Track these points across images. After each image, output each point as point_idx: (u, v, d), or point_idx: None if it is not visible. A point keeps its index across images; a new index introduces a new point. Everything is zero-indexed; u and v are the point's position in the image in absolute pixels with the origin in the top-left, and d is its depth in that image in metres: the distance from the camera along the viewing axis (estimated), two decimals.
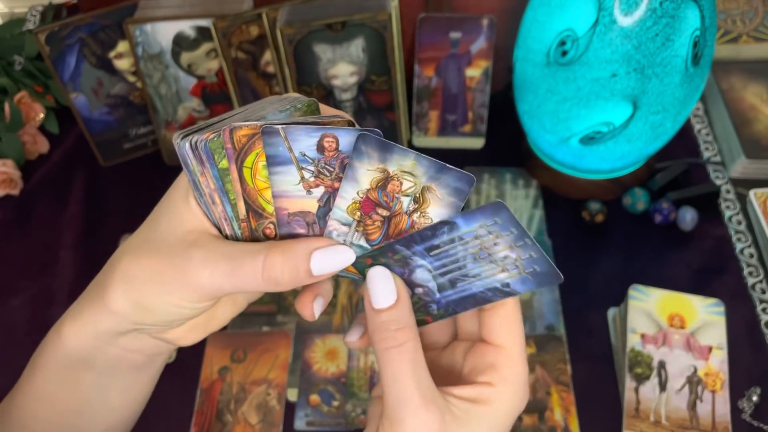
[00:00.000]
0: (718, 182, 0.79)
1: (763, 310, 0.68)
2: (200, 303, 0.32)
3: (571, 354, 0.65)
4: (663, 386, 0.61)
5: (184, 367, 0.66)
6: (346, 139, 0.29)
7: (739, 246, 0.73)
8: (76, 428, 0.37)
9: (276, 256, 0.30)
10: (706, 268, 0.71)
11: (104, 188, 0.83)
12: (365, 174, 0.30)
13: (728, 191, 0.78)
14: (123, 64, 0.79)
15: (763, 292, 0.69)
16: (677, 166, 0.77)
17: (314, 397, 0.64)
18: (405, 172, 0.30)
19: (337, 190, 0.30)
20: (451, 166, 0.29)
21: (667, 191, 0.76)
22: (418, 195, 0.30)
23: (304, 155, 0.29)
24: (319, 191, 0.30)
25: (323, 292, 0.34)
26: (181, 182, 0.33)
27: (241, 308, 0.37)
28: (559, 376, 0.64)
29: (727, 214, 0.76)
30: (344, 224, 0.31)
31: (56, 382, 0.35)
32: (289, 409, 0.63)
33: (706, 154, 0.82)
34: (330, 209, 0.31)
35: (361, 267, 0.32)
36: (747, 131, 0.80)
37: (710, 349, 0.63)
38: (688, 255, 0.72)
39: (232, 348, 0.67)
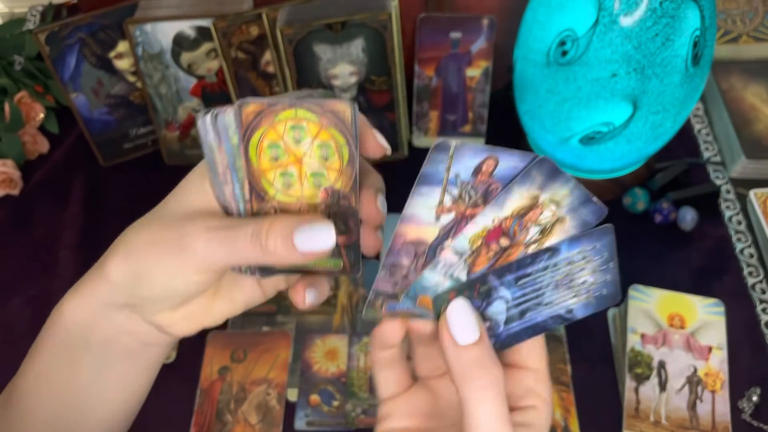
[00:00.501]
0: (718, 182, 0.79)
1: (763, 310, 0.68)
2: (196, 275, 0.32)
3: (571, 354, 0.65)
4: (663, 386, 0.61)
5: (183, 366, 0.66)
6: (507, 163, 0.28)
7: (739, 246, 0.73)
8: (74, 414, 0.37)
9: (264, 224, 0.31)
10: (706, 268, 0.71)
11: (104, 188, 0.83)
12: (517, 200, 0.29)
13: (728, 191, 0.78)
14: (123, 64, 0.78)
15: (763, 292, 0.69)
16: (677, 166, 0.77)
17: (314, 397, 0.64)
18: (553, 201, 0.29)
19: (465, 217, 0.30)
20: (594, 198, 0.29)
21: (667, 191, 0.76)
22: (549, 226, 0.30)
23: (457, 176, 0.29)
24: (447, 219, 0.30)
25: (318, 286, 0.35)
26: (200, 166, 0.34)
27: (238, 308, 0.37)
28: (559, 376, 0.64)
29: (727, 214, 0.76)
30: (457, 253, 0.30)
31: (55, 362, 0.36)
32: (289, 409, 0.63)
33: (706, 154, 0.82)
34: (447, 239, 0.30)
35: (441, 302, 0.31)
36: (747, 131, 0.80)
37: (710, 349, 0.63)
38: (688, 255, 0.72)
39: (232, 348, 0.67)
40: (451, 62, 0.80)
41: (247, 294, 0.37)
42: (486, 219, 0.30)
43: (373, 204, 0.32)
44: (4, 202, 0.82)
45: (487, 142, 0.82)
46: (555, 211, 0.29)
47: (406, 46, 0.80)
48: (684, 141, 0.82)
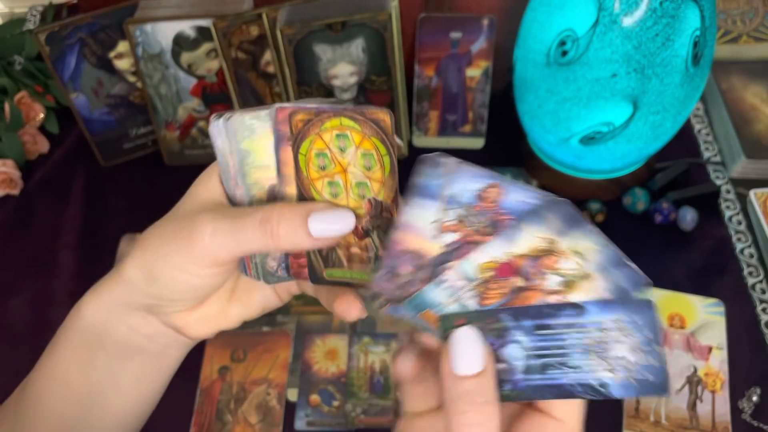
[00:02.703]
0: (718, 182, 0.79)
1: (763, 310, 0.68)
2: (205, 268, 0.32)
3: None
4: None
5: (183, 366, 0.65)
6: (515, 196, 0.26)
7: (739, 246, 0.73)
8: (86, 413, 0.37)
9: (273, 210, 0.30)
10: (706, 268, 0.71)
11: (104, 188, 0.83)
12: (529, 239, 0.27)
13: (728, 191, 0.78)
14: (123, 64, 0.79)
15: (763, 292, 0.69)
16: (677, 166, 0.77)
17: (314, 397, 0.64)
18: (576, 252, 0.27)
19: (471, 242, 0.28)
20: (631, 263, 0.26)
21: (667, 191, 0.76)
22: (573, 279, 0.27)
23: (457, 197, 0.27)
24: (450, 237, 0.28)
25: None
26: (210, 167, 0.34)
27: (254, 311, 0.37)
28: None
29: (727, 214, 0.76)
30: (464, 278, 0.28)
31: (70, 360, 0.36)
32: (289, 409, 0.63)
33: (706, 154, 0.82)
34: (450, 259, 0.28)
35: (447, 325, 0.29)
36: (747, 131, 0.80)
37: (710, 349, 0.63)
38: (688, 255, 0.72)
39: (232, 348, 0.67)
40: (451, 62, 0.80)
41: (264, 297, 0.37)
42: (495, 250, 0.27)
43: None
44: (4, 202, 0.82)
45: (487, 142, 0.82)
46: (581, 264, 0.27)
47: (406, 46, 0.80)
48: (684, 141, 0.82)
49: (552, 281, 0.27)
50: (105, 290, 0.34)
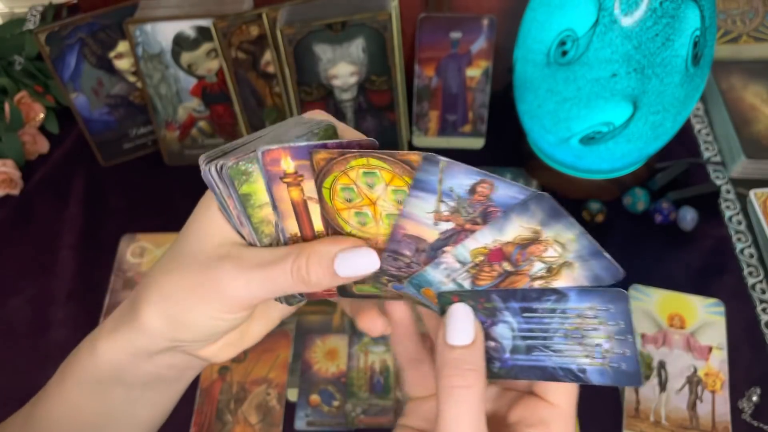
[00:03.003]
0: (718, 182, 0.79)
1: (763, 310, 0.68)
2: (237, 314, 0.32)
3: None
4: (663, 386, 0.61)
5: None
6: (504, 191, 0.28)
7: (739, 246, 0.73)
8: None
9: (302, 258, 0.31)
10: (706, 268, 0.71)
11: (104, 188, 0.83)
12: (515, 229, 0.29)
13: (728, 191, 0.78)
14: (123, 64, 0.79)
15: (763, 292, 0.69)
16: (677, 166, 0.77)
17: (314, 397, 0.64)
18: (557, 242, 0.28)
19: (465, 230, 0.29)
20: (606, 255, 0.28)
21: (667, 191, 0.76)
22: (555, 267, 0.29)
23: (452, 190, 0.29)
24: (446, 226, 0.30)
25: (394, 312, 0.35)
26: (207, 198, 0.33)
27: (274, 324, 0.37)
28: None
29: (727, 214, 0.76)
30: (459, 261, 0.30)
31: (85, 393, 0.35)
32: (289, 409, 0.63)
33: (706, 154, 0.82)
34: (447, 245, 0.30)
35: (444, 301, 0.32)
36: (747, 131, 0.80)
37: (710, 349, 0.63)
38: (688, 255, 0.72)
39: None
40: (451, 62, 0.80)
41: (280, 309, 0.37)
42: (486, 238, 0.29)
43: None
44: (4, 202, 0.82)
45: (487, 142, 0.82)
46: (561, 253, 0.29)
47: (406, 46, 0.80)
48: (684, 141, 0.82)
49: (537, 267, 0.29)
50: (125, 338, 0.34)
